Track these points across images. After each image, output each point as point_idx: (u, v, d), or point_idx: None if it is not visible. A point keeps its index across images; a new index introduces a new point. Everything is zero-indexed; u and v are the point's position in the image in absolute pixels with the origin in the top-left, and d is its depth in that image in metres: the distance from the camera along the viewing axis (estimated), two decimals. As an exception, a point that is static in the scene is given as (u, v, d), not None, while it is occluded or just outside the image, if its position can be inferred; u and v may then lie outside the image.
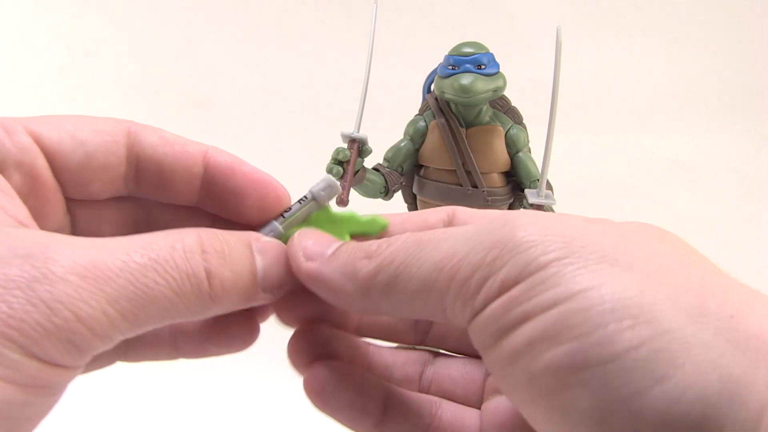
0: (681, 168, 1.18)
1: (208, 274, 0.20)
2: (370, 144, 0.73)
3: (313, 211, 0.24)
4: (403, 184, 0.77)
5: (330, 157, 0.71)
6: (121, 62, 1.19)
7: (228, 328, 0.25)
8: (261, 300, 0.23)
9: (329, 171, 0.68)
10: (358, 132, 0.72)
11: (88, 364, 0.23)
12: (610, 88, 1.20)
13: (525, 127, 0.76)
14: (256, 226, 0.24)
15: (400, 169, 0.75)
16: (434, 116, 0.74)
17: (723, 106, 1.20)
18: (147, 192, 0.24)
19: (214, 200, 0.25)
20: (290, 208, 0.24)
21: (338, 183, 0.24)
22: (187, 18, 1.23)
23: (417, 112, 0.78)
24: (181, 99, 1.16)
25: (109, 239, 0.19)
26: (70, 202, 0.23)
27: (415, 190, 0.78)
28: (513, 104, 0.76)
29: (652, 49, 1.22)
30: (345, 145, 0.72)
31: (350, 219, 0.24)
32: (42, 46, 1.21)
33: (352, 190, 0.70)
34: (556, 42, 0.64)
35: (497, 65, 0.72)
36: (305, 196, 0.24)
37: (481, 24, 1.18)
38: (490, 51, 0.72)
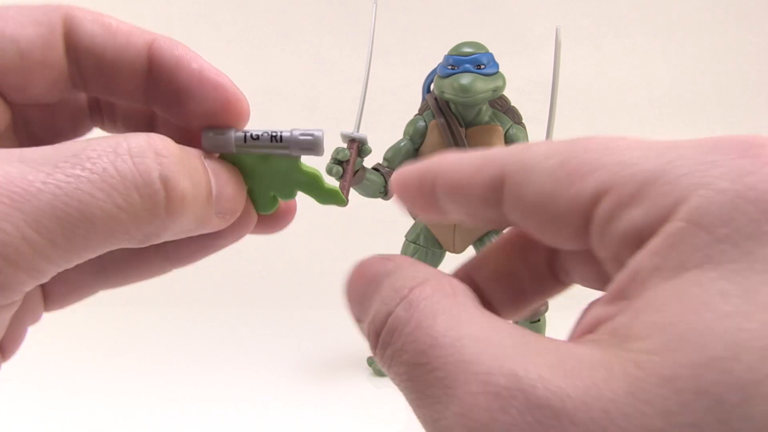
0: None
1: (164, 181, 0.16)
2: (370, 144, 0.73)
3: (280, 155, 0.20)
4: (403, 183, 0.78)
5: (330, 157, 0.71)
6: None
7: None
8: (212, 226, 0.19)
9: (329, 171, 0.68)
10: (358, 132, 0.72)
11: (63, 294, 0.20)
12: (609, 88, 1.20)
13: (524, 127, 0.76)
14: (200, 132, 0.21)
15: (399, 169, 0.75)
16: (434, 116, 0.74)
17: (723, 106, 1.20)
18: (94, 90, 0.20)
19: (160, 101, 0.20)
20: (259, 137, 0.20)
21: (322, 144, 0.20)
22: (187, 18, 1.23)
23: (417, 112, 0.78)
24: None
25: (36, 148, 0.16)
26: (20, 107, 0.20)
27: (414, 189, 0.78)
28: (512, 104, 0.76)
29: (652, 49, 1.22)
30: (345, 145, 0.72)
31: (312, 181, 0.20)
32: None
33: (351, 189, 0.70)
34: (556, 42, 0.64)
35: (497, 65, 0.72)
36: (281, 136, 0.20)
37: (481, 24, 1.18)
38: (490, 51, 0.73)
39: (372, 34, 0.73)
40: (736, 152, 0.14)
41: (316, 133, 0.20)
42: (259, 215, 0.21)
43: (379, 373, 0.78)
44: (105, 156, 0.16)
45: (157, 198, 0.16)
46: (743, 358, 0.11)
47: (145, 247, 0.20)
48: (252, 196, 0.21)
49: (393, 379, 0.15)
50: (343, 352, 0.83)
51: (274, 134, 0.20)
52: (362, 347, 0.82)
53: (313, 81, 1.18)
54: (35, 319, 0.20)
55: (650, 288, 0.13)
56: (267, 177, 0.20)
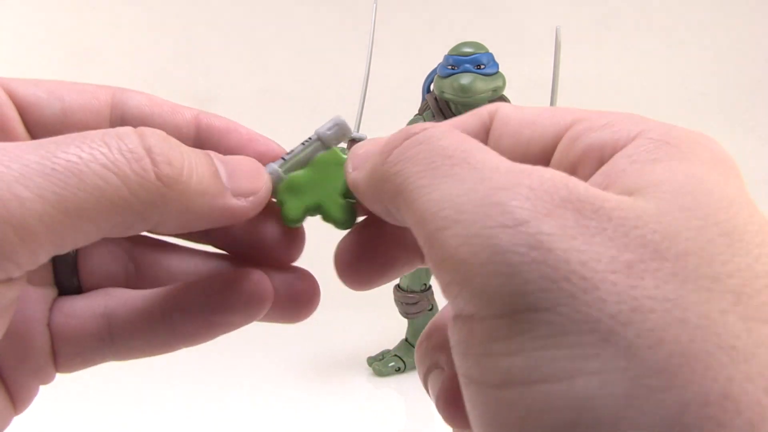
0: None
1: (148, 150, 0.17)
2: (370, 144, 0.73)
3: (319, 152, 0.22)
4: (403, 183, 0.78)
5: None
6: (121, 62, 1.19)
7: (232, 288, 0.21)
8: (236, 209, 0.19)
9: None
10: (358, 132, 0.72)
11: (72, 355, 0.21)
12: (610, 88, 1.20)
13: (525, 127, 0.76)
14: None
15: (399, 169, 0.75)
16: (434, 116, 0.74)
17: (723, 106, 1.20)
18: None
19: None
20: (292, 151, 0.22)
21: (347, 123, 0.22)
22: (187, 18, 1.23)
23: (417, 112, 0.78)
24: (180, 99, 1.15)
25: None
26: None
27: (414, 189, 0.78)
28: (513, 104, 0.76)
29: (652, 49, 1.22)
30: (345, 145, 0.72)
31: None
32: (42, 46, 1.21)
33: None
34: (556, 42, 0.64)
35: (497, 65, 0.72)
36: (310, 137, 0.22)
37: (481, 24, 1.18)
38: (490, 51, 0.73)
39: (372, 34, 0.73)
40: (687, 130, 0.16)
41: (335, 118, 0.22)
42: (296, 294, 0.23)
43: (379, 373, 0.78)
44: (94, 135, 0.17)
45: (143, 163, 0.17)
46: (739, 211, 0.14)
47: (153, 316, 0.21)
48: (326, 212, 0.22)
49: (401, 173, 0.16)
50: (343, 352, 0.83)
51: (303, 142, 0.22)
52: (362, 347, 0.82)
53: (313, 81, 1.18)
54: (47, 378, 0.21)
55: (632, 171, 0.15)
56: (324, 180, 0.22)
